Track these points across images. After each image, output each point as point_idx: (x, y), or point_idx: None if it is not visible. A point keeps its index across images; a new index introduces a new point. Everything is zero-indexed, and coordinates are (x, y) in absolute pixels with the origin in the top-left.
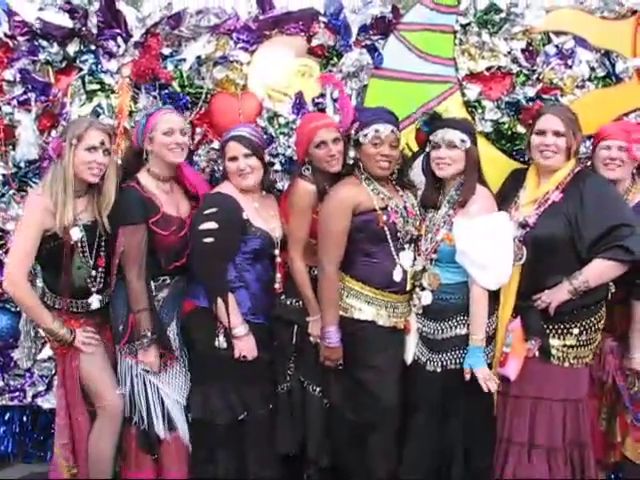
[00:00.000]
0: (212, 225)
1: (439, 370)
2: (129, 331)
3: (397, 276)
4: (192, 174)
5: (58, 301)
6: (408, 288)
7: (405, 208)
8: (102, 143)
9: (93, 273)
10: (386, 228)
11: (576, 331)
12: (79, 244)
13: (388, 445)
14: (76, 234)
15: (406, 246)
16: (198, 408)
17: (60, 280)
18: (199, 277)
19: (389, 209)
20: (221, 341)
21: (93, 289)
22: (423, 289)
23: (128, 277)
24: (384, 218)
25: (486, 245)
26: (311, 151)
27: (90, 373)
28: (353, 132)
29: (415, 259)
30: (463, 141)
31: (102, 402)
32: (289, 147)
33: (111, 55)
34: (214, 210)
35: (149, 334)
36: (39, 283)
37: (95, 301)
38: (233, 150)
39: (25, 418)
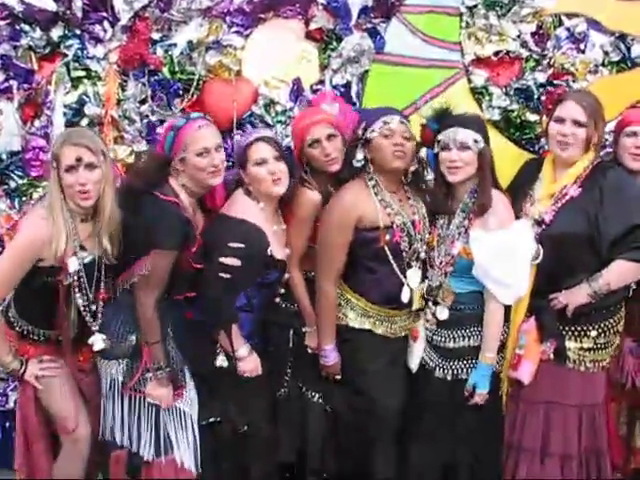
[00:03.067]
0: (235, 262)
1: (449, 378)
2: (142, 365)
3: (405, 297)
4: (221, 189)
5: (26, 326)
6: (416, 307)
7: (413, 223)
8: (79, 160)
9: (93, 308)
10: (387, 248)
11: (594, 333)
12: (76, 277)
13: (389, 451)
14: (74, 265)
15: (413, 264)
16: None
17: (37, 312)
18: (206, 305)
19: (394, 227)
20: (221, 360)
21: (94, 328)
22: (436, 303)
23: (144, 303)
24: (387, 238)
25: (506, 261)
26: (305, 151)
27: (49, 402)
28: (360, 132)
29: (427, 277)
30: (476, 141)
31: (65, 432)
32: (287, 136)
33: (97, 40)
34: (241, 246)
35: (164, 367)
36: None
37: (99, 341)
38: (262, 152)
39: (8, 424)
